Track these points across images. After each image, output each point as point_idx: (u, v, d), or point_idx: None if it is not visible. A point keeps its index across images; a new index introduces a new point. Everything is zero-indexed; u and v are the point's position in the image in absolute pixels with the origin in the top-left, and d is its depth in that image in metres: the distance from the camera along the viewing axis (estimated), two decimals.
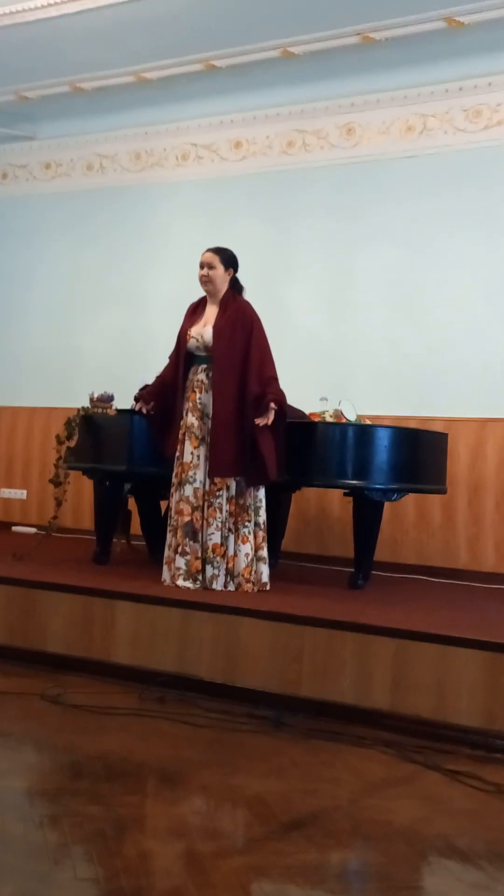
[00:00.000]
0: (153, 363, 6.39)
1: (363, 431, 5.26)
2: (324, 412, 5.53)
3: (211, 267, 5.05)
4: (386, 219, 6.75)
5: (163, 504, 6.19)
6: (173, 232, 7.51)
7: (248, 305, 5.09)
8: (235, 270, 5.10)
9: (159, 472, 5.30)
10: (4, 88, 7.54)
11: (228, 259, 5.08)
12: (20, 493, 8.02)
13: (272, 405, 4.87)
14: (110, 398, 5.68)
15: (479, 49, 6.30)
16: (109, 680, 4.28)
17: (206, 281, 5.07)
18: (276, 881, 2.39)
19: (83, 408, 5.64)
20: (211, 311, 5.10)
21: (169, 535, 5.03)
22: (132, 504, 6.33)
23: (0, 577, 4.88)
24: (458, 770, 3.32)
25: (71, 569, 5.36)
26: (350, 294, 6.86)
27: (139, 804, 2.90)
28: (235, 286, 5.12)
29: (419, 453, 5.49)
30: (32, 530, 7.50)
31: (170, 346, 5.29)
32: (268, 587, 4.92)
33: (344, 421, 5.41)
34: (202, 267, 5.06)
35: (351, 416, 5.45)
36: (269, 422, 4.86)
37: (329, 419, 5.45)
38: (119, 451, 5.46)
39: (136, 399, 5.31)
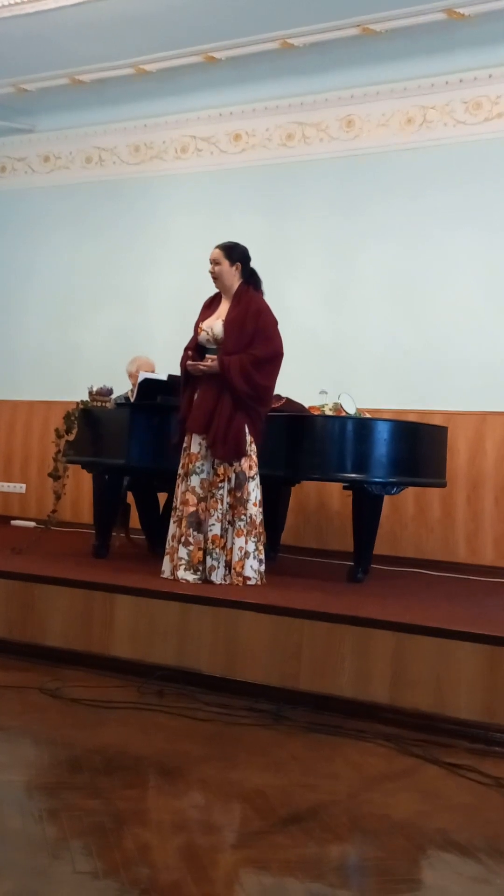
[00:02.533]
0: (152, 356, 6.39)
1: (363, 425, 5.25)
2: (323, 405, 5.52)
3: (217, 263, 5.05)
4: (386, 211, 6.74)
5: (160, 497, 6.19)
6: (172, 224, 7.49)
7: (259, 298, 5.07)
8: (245, 264, 5.07)
9: (158, 465, 5.28)
10: (3, 81, 7.53)
11: (236, 254, 5.06)
12: (19, 487, 8.02)
13: (213, 359, 4.88)
14: (109, 392, 5.67)
15: (480, 41, 6.29)
16: (108, 674, 4.28)
17: (214, 277, 5.08)
18: (275, 875, 2.39)
19: (82, 401, 5.63)
20: (224, 306, 5.09)
21: (173, 526, 5.01)
22: (131, 498, 6.33)
23: None
24: (457, 763, 3.32)
25: (70, 563, 5.36)
26: (350, 287, 6.85)
27: (138, 798, 2.89)
28: (251, 279, 5.09)
29: (419, 447, 5.48)
30: (31, 524, 7.50)
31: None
32: (251, 580, 4.90)
33: (343, 414, 5.41)
34: (210, 264, 5.07)
35: (350, 410, 5.44)
36: (197, 366, 4.90)
37: (329, 413, 5.44)
38: (118, 445, 5.44)
39: (187, 349, 5.14)
